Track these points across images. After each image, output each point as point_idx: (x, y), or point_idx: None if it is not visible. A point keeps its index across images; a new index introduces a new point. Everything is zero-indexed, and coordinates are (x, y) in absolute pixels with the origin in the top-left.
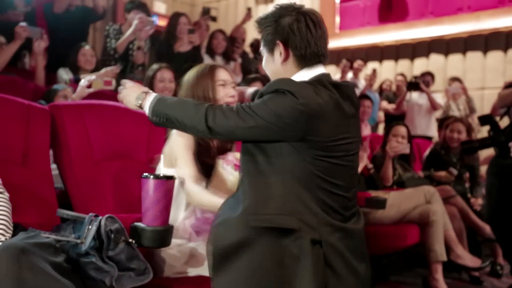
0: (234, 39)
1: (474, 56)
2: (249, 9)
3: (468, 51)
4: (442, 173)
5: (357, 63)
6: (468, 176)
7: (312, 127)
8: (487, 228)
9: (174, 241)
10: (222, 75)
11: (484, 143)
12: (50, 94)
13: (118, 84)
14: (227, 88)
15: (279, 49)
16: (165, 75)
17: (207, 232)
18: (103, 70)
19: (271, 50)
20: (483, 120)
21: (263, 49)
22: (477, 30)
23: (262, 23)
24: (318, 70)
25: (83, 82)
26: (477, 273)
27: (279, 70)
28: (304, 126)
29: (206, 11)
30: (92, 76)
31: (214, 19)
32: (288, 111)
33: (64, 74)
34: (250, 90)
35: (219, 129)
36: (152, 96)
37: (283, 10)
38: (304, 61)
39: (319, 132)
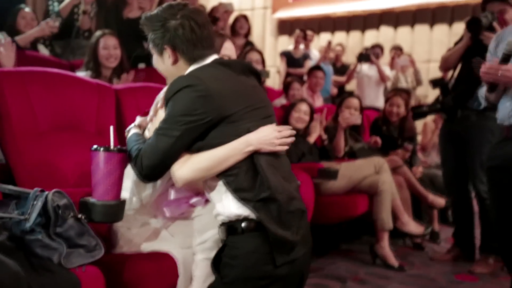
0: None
1: (422, 29)
2: None
3: (416, 24)
4: (398, 152)
5: (308, 33)
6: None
7: (221, 104)
8: (429, 196)
9: (138, 217)
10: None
11: (433, 108)
12: None
13: (54, 47)
14: None
15: (168, 52)
16: (109, 41)
17: (176, 216)
18: (40, 25)
19: (160, 53)
20: (435, 83)
21: (152, 49)
22: (425, 3)
23: (149, 25)
24: (210, 58)
25: None
26: (420, 239)
27: (171, 69)
28: (214, 105)
29: None
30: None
31: None
32: (194, 102)
33: (2, 38)
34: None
35: (151, 162)
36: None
37: (168, 13)
38: (193, 60)
39: (228, 107)
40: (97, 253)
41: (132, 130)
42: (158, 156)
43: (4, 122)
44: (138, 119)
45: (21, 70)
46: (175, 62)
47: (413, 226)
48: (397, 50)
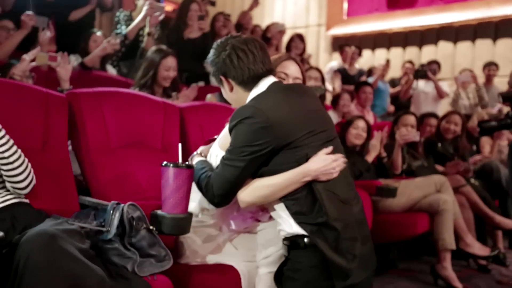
0: (240, 26)
1: (484, 44)
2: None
3: (477, 39)
4: (460, 164)
5: (353, 50)
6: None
7: (281, 132)
8: (496, 217)
9: (204, 229)
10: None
11: (503, 123)
12: (6, 68)
13: (121, 67)
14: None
15: (224, 81)
16: (171, 63)
17: (241, 230)
18: (103, 44)
19: (221, 83)
20: (505, 97)
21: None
22: (487, 17)
23: (210, 59)
24: (267, 82)
25: (27, 55)
26: (485, 261)
27: (232, 96)
28: (275, 134)
29: None
30: (37, 49)
31: (213, 3)
32: (255, 134)
33: (74, 60)
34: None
35: (222, 191)
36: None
37: (221, 46)
38: (246, 85)
39: (288, 134)
40: (166, 263)
41: (196, 158)
42: (227, 185)
43: (81, 139)
44: (201, 148)
45: (97, 90)
46: (231, 89)
47: (477, 247)
48: (491, 66)
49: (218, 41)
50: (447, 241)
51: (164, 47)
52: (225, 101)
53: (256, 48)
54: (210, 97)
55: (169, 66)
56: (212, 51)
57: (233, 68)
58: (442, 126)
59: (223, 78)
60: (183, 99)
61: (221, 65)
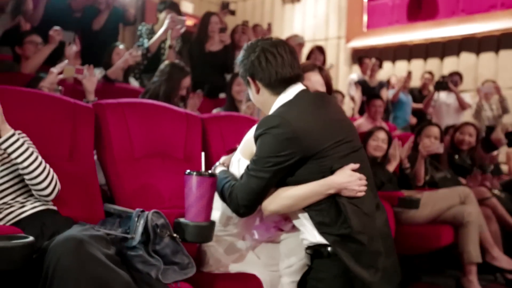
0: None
1: (508, 55)
2: (269, 25)
3: (501, 50)
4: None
5: (373, 62)
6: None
7: (307, 143)
8: None
9: (227, 238)
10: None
11: None
12: (35, 81)
13: (143, 80)
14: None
15: (251, 82)
16: (187, 83)
17: (263, 240)
18: (124, 56)
19: (248, 85)
20: None
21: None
22: (511, 27)
23: (239, 61)
24: (295, 90)
25: (54, 68)
26: None
27: (260, 99)
28: (300, 145)
29: (225, 5)
30: (65, 62)
31: (233, 13)
32: (280, 144)
33: (98, 73)
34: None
35: (247, 202)
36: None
37: (249, 49)
38: (273, 88)
39: (314, 145)
40: (190, 271)
41: (218, 168)
42: (252, 196)
43: (107, 148)
44: (223, 158)
45: (122, 101)
46: (258, 91)
47: (505, 261)
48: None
49: (249, 42)
50: (473, 254)
51: (182, 64)
52: None
53: (286, 51)
54: (216, 112)
55: (185, 86)
56: (241, 52)
57: (261, 70)
58: (457, 137)
59: (250, 80)
60: (191, 107)
61: (250, 66)
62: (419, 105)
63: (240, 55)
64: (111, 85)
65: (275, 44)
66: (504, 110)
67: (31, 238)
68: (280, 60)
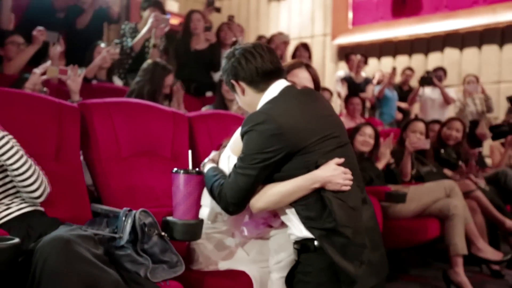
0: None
1: (490, 50)
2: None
3: (483, 45)
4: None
5: (358, 58)
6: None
7: (292, 139)
8: (507, 222)
9: (216, 235)
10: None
11: None
12: (19, 82)
13: (127, 79)
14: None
15: (235, 85)
16: (171, 81)
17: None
18: (102, 54)
19: (233, 89)
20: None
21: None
22: (493, 23)
23: (222, 73)
24: (279, 85)
25: (37, 69)
26: (498, 266)
27: (246, 100)
28: (286, 141)
29: (210, 3)
30: (48, 63)
31: (218, 10)
32: (266, 141)
33: (81, 73)
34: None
35: (236, 200)
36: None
37: (229, 56)
38: (257, 85)
39: (300, 141)
40: (179, 269)
41: (208, 165)
42: (241, 194)
43: (93, 148)
44: (213, 154)
45: (107, 101)
46: (243, 92)
47: (490, 252)
48: (469, 77)
49: (227, 51)
50: (459, 246)
51: (164, 62)
52: None
53: (264, 50)
54: (205, 110)
55: (169, 84)
56: (223, 62)
57: (242, 69)
58: (443, 132)
59: (234, 82)
60: (177, 102)
61: (231, 69)
62: (403, 104)
63: (222, 65)
64: (89, 85)
65: (253, 45)
66: (489, 109)
67: (17, 240)
68: (260, 58)
